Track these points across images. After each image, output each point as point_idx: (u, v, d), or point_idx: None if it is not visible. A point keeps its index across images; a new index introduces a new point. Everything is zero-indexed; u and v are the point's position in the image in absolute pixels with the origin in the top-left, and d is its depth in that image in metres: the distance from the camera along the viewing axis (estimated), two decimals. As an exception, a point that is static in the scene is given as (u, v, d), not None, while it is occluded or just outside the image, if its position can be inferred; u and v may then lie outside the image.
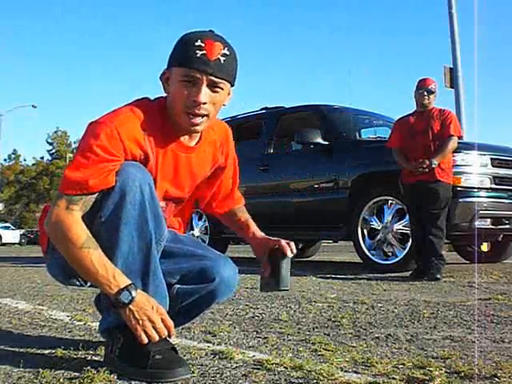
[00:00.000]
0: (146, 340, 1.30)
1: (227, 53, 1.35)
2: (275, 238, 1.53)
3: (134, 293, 1.28)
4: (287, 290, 1.45)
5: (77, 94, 72.99)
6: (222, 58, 1.33)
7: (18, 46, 70.35)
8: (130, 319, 1.29)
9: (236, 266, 1.53)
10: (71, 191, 1.28)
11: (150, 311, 1.30)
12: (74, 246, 1.28)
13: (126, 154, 1.32)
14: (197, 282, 1.46)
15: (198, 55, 1.31)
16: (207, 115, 1.37)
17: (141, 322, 1.29)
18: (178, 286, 1.48)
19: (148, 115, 1.38)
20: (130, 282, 1.29)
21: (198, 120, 1.36)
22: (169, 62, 1.39)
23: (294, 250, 1.50)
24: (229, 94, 1.42)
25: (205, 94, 1.33)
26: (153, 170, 1.40)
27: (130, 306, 1.28)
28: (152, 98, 1.46)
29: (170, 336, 1.34)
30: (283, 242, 1.49)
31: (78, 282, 1.49)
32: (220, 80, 1.34)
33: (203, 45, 1.32)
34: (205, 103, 1.34)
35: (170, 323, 1.33)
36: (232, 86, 1.42)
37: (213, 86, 1.34)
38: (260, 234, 1.62)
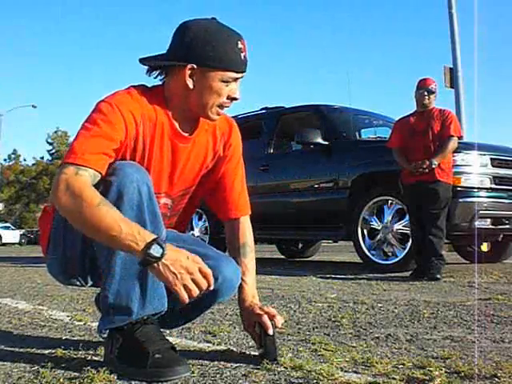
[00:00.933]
0: (186, 298, 1.20)
1: None
2: (259, 312, 1.48)
3: (164, 245, 1.20)
4: (276, 361, 1.43)
5: (77, 94, 73.04)
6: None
7: (18, 45, 70.38)
8: (167, 275, 1.19)
9: (238, 265, 1.53)
10: (72, 160, 1.27)
11: (186, 261, 1.21)
12: (91, 206, 1.20)
13: (126, 129, 1.34)
14: None
15: (242, 58, 1.40)
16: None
17: (179, 275, 1.20)
18: None
19: (145, 98, 1.41)
20: (155, 235, 1.22)
21: (223, 111, 1.46)
22: (201, 58, 1.37)
23: (279, 324, 1.47)
24: None
25: (239, 89, 1.44)
26: (146, 151, 1.41)
27: (163, 260, 1.19)
28: (149, 85, 1.48)
29: (209, 286, 1.24)
30: (265, 318, 1.46)
31: (78, 282, 1.49)
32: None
33: (242, 46, 1.40)
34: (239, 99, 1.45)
35: (208, 271, 1.24)
36: None
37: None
38: (249, 298, 1.54)
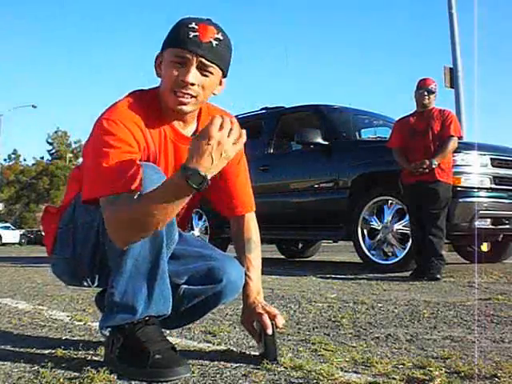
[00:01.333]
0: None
1: (220, 38, 1.37)
2: (260, 311, 1.48)
3: (188, 172, 1.15)
4: (276, 361, 1.43)
5: (77, 94, 73.05)
6: (215, 42, 1.35)
7: (19, 45, 70.38)
8: (228, 157, 1.17)
9: (242, 267, 1.53)
10: (103, 191, 1.26)
11: (210, 157, 1.15)
12: (133, 210, 1.22)
13: (136, 141, 1.33)
14: (204, 282, 1.45)
15: (191, 36, 1.33)
16: (195, 97, 1.37)
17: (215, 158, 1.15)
18: (185, 286, 1.47)
19: (143, 105, 1.40)
20: (177, 174, 1.17)
21: (185, 99, 1.36)
22: (162, 45, 1.40)
23: (279, 325, 1.47)
24: (221, 83, 1.44)
25: (194, 74, 1.34)
26: (156, 158, 1.40)
27: (202, 173, 1.15)
28: (146, 89, 1.48)
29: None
30: (265, 318, 1.45)
31: (85, 283, 1.49)
32: (210, 63, 1.35)
33: (196, 27, 1.34)
34: (193, 84, 1.34)
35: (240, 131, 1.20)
36: (224, 75, 1.43)
37: (202, 69, 1.35)
38: (253, 294, 1.54)
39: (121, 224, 1.24)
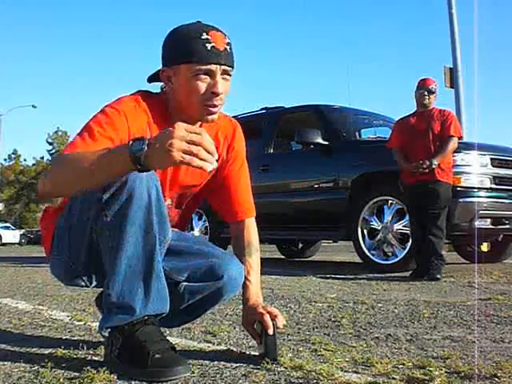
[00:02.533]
0: (201, 164, 1.08)
1: (229, 41, 1.41)
2: (261, 310, 1.48)
3: (141, 139, 1.12)
4: (276, 361, 1.43)
5: (77, 94, 73.07)
6: (228, 47, 1.40)
7: (19, 45, 70.40)
8: (162, 157, 1.09)
9: (242, 264, 1.53)
10: (68, 150, 1.28)
11: (170, 134, 1.09)
12: (67, 161, 1.23)
13: (130, 135, 1.34)
14: (204, 279, 1.46)
15: (209, 48, 1.35)
16: (222, 104, 1.42)
17: (172, 149, 1.07)
18: (185, 283, 1.48)
19: (151, 106, 1.42)
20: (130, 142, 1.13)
21: (215, 109, 1.40)
22: (169, 59, 1.40)
23: (280, 325, 1.47)
24: None
25: (221, 84, 1.38)
26: None
27: (147, 147, 1.10)
28: (153, 92, 1.50)
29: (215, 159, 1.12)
30: (266, 317, 1.45)
31: (82, 283, 1.49)
32: (230, 68, 1.40)
33: (210, 37, 1.36)
34: (221, 93, 1.38)
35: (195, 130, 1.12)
36: None
37: (224, 75, 1.39)
38: (253, 297, 1.55)
39: (52, 171, 1.24)
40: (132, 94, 1.45)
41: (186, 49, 1.36)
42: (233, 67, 1.41)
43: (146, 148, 1.10)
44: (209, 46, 1.35)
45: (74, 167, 1.21)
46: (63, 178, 1.23)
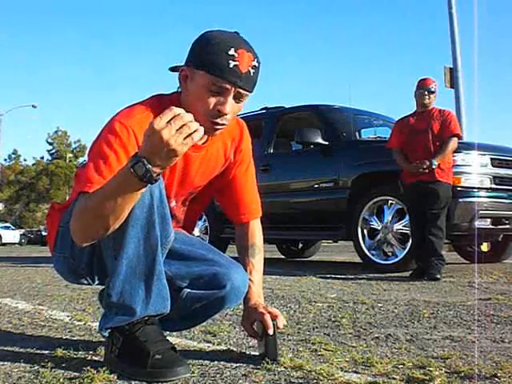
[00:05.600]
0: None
1: (256, 64, 1.34)
2: (261, 310, 1.47)
3: (134, 158, 1.11)
4: (276, 361, 1.43)
5: (77, 94, 73.05)
6: (252, 71, 1.33)
7: (19, 45, 70.39)
8: (160, 163, 1.10)
9: (246, 273, 1.53)
10: (87, 189, 1.25)
11: (155, 140, 1.07)
12: (85, 206, 1.21)
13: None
14: (207, 287, 1.45)
15: (231, 66, 1.29)
16: (227, 124, 1.38)
17: (163, 153, 1.08)
18: (188, 290, 1.46)
19: (160, 113, 1.38)
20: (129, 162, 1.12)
21: (218, 127, 1.37)
22: (192, 60, 1.35)
23: (281, 325, 1.46)
24: None
25: (230, 105, 1.33)
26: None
27: (145, 161, 1.09)
28: (166, 93, 1.46)
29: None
30: (267, 317, 1.44)
31: (85, 281, 1.49)
32: (246, 92, 1.35)
33: (236, 55, 1.30)
34: (227, 114, 1.34)
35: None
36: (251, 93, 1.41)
37: (237, 98, 1.35)
38: (254, 297, 1.54)
39: (76, 222, 1.24)
40: (146, 101, 1.41)
41: (209, 58, 1.30)
42: (250, 92, 1.35)
43: (149, 166, 1.10)
44: (232, 63, 1.29)
45: (95, 218, 1.20)
46: (93, 231, 1.24)
